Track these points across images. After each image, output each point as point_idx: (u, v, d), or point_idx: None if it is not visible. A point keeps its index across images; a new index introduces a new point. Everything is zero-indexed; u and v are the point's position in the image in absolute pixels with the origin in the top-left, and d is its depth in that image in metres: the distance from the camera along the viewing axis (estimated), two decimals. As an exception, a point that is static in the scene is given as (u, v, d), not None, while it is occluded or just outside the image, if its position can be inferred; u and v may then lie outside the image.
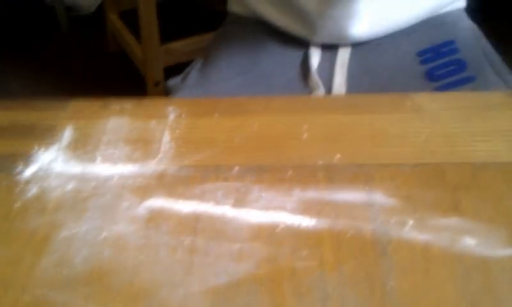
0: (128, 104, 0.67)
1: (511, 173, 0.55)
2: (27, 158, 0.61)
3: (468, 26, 0.98)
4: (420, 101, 0.65)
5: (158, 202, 0.55)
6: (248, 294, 0.47)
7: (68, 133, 0.64)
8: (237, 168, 0.58)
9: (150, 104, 0.68)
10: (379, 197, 0.55)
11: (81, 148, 0.62)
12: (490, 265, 0.48)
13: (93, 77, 2.46)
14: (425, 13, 0.95)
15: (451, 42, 0.94)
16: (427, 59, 0.92)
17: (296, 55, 0.96)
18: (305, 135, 0.62)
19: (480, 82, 0.88)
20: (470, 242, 0.50)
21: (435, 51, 0.93)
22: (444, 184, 0.55)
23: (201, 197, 0.55)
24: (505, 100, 0.65)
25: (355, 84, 0.90)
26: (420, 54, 0.93)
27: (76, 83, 2.40)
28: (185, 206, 0.55)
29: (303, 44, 0.97)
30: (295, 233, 0.52)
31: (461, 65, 0.91)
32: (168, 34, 2.05)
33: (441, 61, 0.92)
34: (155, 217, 0.53)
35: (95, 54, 2.62)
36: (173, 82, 1.04)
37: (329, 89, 0.90)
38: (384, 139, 0.60)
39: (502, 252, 0.49)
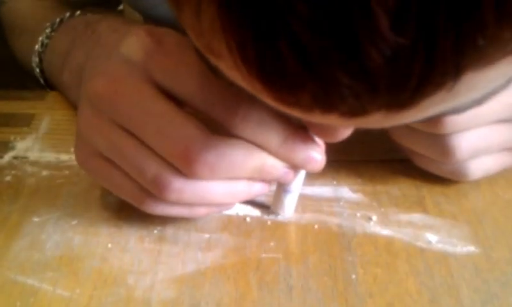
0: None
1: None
2: (4, 146, 0.62)
3: None
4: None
5: (130, 192, 0.56)
6: (214, 283, 0.48)
7: (45, 123, 0.66)
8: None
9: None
10: (345, 192, 0.56)
11: (57, 137, 0.63)
12: (450, 261, 0.49)
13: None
14: None
15: None
16: None
17: None
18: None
19: None
20: (431, 238, 0.51)
21: None
22: (409, 181, 0.57)
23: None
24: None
25: None
26: None
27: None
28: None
29: None
30: (263, 226, 0.53)
31: None
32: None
33: None
34: (127, 206, 0.54)
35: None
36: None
37: None
38: (352, 135, 0.61)
39: (461, 249, 0.50)
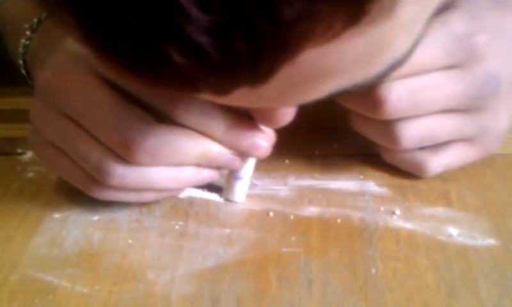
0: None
1: (499, 164, 0.56)
2: (26, 143, 0.62)
3: None
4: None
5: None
6: (234, 278, 0.48)
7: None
8: (232, 156, 0.59)
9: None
10: (371, 186, 0.56)
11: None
12: (470, 254, 0.48)
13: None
14: None
15: None
16: None
17: None
18: (303, 125, 0.62)
19: None
20: (453, 231, 0.50)
21: None
22: (434, 174, 0.56)
23: (196, 182, 0.56)
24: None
25: None
26: None
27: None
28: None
29: None
30: (285, 220, 0.53)
31: None
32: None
33: None
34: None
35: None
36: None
37: None
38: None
39: (481, 242, 0.49)
